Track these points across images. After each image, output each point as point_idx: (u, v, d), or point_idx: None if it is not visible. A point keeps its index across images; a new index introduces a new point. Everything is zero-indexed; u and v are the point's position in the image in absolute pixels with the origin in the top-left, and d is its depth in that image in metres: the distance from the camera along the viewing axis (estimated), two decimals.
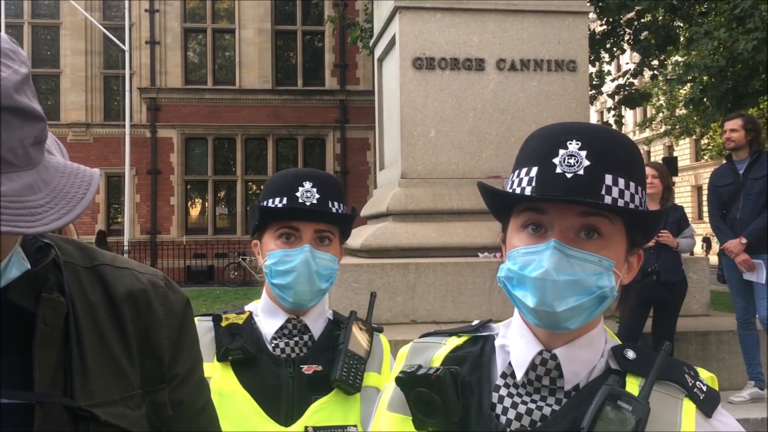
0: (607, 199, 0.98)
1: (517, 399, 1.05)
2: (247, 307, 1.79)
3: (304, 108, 23.51)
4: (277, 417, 1.60)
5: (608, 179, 0.99)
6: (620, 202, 0.99)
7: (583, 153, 0.99)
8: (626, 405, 0.95)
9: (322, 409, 1.62)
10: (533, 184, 1.01)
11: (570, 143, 1.00)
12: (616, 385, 0.98)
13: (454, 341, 1.17)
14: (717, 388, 1.05)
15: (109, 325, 0.96)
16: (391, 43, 7.68)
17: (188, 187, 23.78)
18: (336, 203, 1.70)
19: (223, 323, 1.66)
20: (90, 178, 0.88)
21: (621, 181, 1.00)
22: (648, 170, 5.94)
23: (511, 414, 1.04)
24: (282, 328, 1.71)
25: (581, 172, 0.98)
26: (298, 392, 1.63)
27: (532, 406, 1.04)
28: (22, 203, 0.77)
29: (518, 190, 1.03)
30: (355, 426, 1.63)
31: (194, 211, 24.21)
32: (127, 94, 21.23)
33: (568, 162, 0.99)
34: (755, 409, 5.51)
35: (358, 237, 7.38)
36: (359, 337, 1.70)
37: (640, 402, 0.95)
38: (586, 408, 0.97)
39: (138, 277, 1.02)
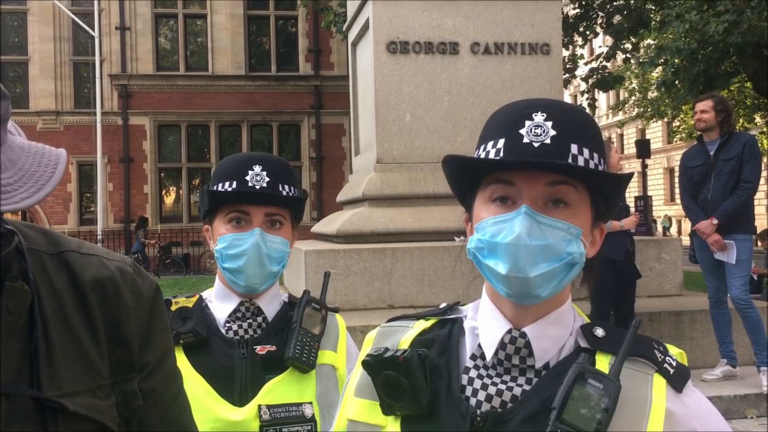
0: None
1: (487, 380, 1.04)
2: (201, 294, 1.78)
3: (278, 94, 23.32)
4: (231, 398, 1.59)
5: (574, 148, 1.00)
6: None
7: (549, 123, 1.00)
8: (597, 383, 0.94)
9: (276, 388, 1.61)
10: (501, 154, 1.01)
11: (535, 115, 1.01)
12: (586, 363, 0.98)
13: (422, 325, 1.15)
14: (686, 364, 1.05)
15: (75, 314, 0.93)
16: (365, 28, 7.63)
17: (162, 174, 23.52)
18: (287, 186, 1.68)
19: (173, 307, 1.65)
20: (57, 157, 0.85)
21: (586, 151, 1.01)
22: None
23: (481, 395, 1.03)
24: (235, 311, 1.70)
25: (548, 141, 0.99)
26: (251, 372, 1.63)
27: (503, 387, 1.03)
28: None
29: None
30: (311, 403, 1.63)
31: (168, 199, 23.98)
32: (97, 81, 20.90)
33: (534, 132, 0.99)
34: (728, 386, 5.61)
35: (334, 223, 7.37)
36: (313, 316, 1.69)
37: (611, 379, 0.95)
38: (557, 387, 0.97)
39: (105, 264, 0.99)
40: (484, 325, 1.07)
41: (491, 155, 1.02)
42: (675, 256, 7.13)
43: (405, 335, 1.14)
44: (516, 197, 1.01)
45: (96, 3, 20.92)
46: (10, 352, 0.84)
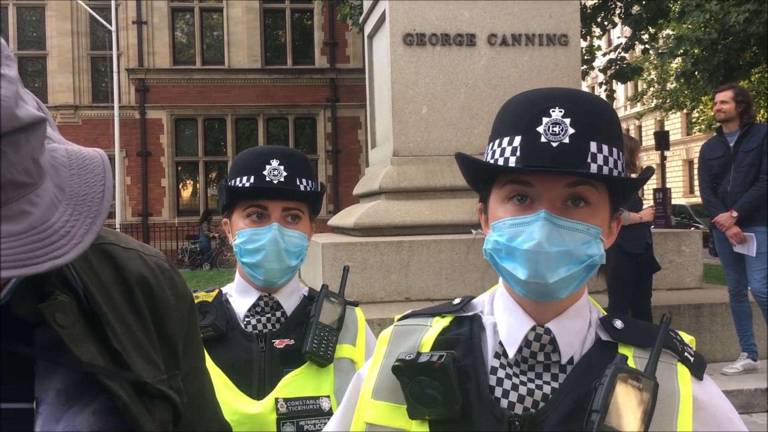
0: (593, 167, 0.97)
1: (515, 380, 1.03)
2: (222, 289, 1.79)
3: (294, 87, 23.33)
4: (250, 391, 1.61)
5: (593, 147, 0.97)
6: (605, 170, 0.98)
7: (567, 120, 0.97)
8: (636, 383, 0.94)
9: (294, 382, 1.62)
10: (518, 154, 0.98)
11: (553, 111, 0.98)
12: (623, 364, 0.97)
13: (440, 323, 1.12)
14: (694, 348, 1.07)
15: (125, 308, 0.91)
16: (381, 20, 7.61)
17: (179, 168, 23.63)
18: (304, 180, 1.69)
19: None
20: (102, 169, 0.80)
21: (605, 148, 0.98)
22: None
23: (513, 396, 1.02)
24: (254, 305, 1.71)
25: (566, 140, 0.96)
26: (269, 366, 1.64)
27: (531, 385, 1.02)
28: (50, 227, 0.70)
29: (501, 161, 1.00)
30: (328, 397, 1.63)
31: (186, 193, 24.10)
32: (114, 75, 21.01)
33: (552, 130, 0.96)
34: (748, 380, 5.56)
35: (351, 216, 7.37)
36: (331, 310, 1.70)
37: (649, 378, 0.95)
38: (587, 384, 0.97)
39: (146, 260, 0.98)
40: (504, 322, 1.06)
41: (507, 153, 0.99)
42: (695, 249, 7.07)
43: (425, 335, 1.11)
44: (534, 197, 0.99)
45: None
46: (90, 357, 0.82)
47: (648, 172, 1.19)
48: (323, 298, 1.71)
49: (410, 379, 1.02)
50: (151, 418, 0.86)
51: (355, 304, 1.80)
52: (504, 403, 1.02)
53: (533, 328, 1.03)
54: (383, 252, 6.31)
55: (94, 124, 22.93)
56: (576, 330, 1.04)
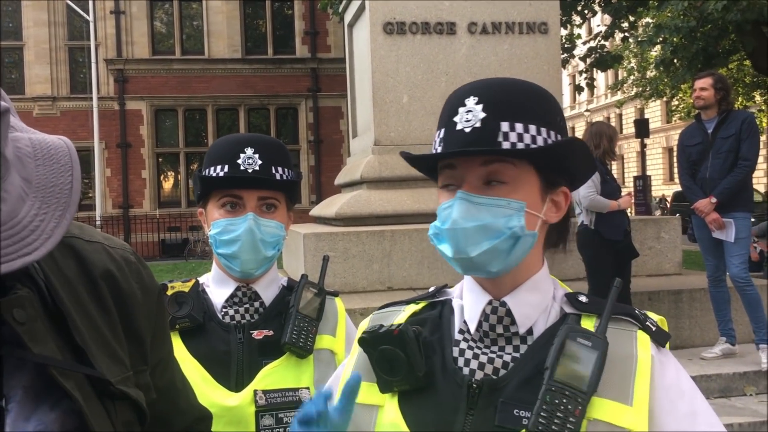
0: (506, 145, 1.03)
1: (477, 350, 1.09)
2: (199, 279, 1.75)
3: (275, 77, 23.20)
4: (228, 383, 1.58)
5: (504, 126, 1.03)
6: (520, 146, 1.03)
7: (479, 107, 1.04)
8: (586, 341, 0.99)
9: (273, 373, 1.59)
10: (441, 144, 1.08)
11: (468, 100, 1.06)
12: (574, 324, 1.04)
13: (413, 308, 1.21)
14: (666, 329, 1.09)
15: (91, 304, 0.88)
16: (361, 8, 7.58)
17: (160, 159, 23.46)
18: (280, 168, 1.64)
19: (169, 292, 1.62)
20: (68, 158, 0.77)
21: (519, 126, 1.04)
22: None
23: (474, 365, 1.08)
24: (232, 296, 1.68)
25: (478, 124, 1.04)
26: (248, 357, 1.60)
27: (492, 355, 1.08)
28: (19, 222, 0.68)
29: (432, 152, 1.10)
30: (308, 388, 1.60)
31: (167, 184, 23.93)
32: (93, 65, 20.79)
33: (466, 118, 1.05)
34: (727, 364, 5.63)
35: (333, 205, 7.36)
36: (311, 300, 1.67)
37: (599, 337, 1.00)
38: (547, 352, 1.02)
39: (111, 253, 0.95)
40: (467, 301, 1.13)
41: (436, 144, 1.09)
42: (674, 235, 7.13)
43: (397, 318, 1.19)
44: (459, 181, 1.06)
45: None
46: (51, 353, 0.79)
47: (567, 140, 1.13)
48: (302, 288, 1.68)
49: (374, 349, 1.09)
50: (110, 421, 0.84)
51: (335, 294, 1.77)
52: (466, 371, 1.08)
53: (489, 302, 1.09)
54: (365, 241, 6.31)
55: (72, 116, 22.67)
56: (534, 303, 1.09)
